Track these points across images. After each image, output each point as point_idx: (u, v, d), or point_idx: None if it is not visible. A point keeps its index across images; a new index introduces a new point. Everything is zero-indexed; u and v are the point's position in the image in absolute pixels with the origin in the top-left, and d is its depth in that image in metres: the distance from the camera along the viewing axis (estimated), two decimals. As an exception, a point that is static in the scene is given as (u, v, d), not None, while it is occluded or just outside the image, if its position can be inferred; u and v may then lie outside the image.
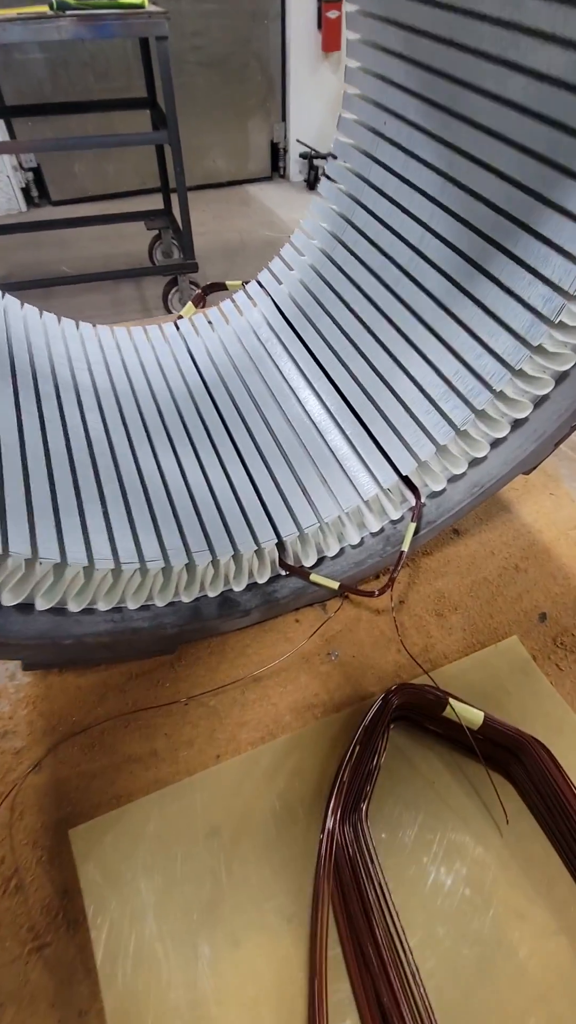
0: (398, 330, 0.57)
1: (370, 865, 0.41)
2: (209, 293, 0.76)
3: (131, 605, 0.48)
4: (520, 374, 0.47)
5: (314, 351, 0.65)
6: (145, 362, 0.69)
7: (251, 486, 0.56)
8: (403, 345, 0.56)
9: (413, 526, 0.52)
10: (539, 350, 0.45)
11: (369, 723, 0.45)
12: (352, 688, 0.53)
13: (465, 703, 0.47)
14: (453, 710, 0.46)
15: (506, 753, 0.46)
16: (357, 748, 0.44)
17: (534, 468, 0.54)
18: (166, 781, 0.46)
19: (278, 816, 0.44)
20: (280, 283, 0.73)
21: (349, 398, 0.59)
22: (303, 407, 0.62)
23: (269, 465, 0.57)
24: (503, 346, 0.47)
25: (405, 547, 0.51)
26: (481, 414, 0.49)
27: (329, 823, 0.42)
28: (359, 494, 0.53)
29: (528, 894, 0.41)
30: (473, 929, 0.40)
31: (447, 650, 0.56)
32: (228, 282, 0.72)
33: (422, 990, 0.37)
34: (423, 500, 0.54)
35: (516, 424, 0.51)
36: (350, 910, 0.39)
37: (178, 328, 0.73)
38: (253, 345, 0.69)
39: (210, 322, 0.73)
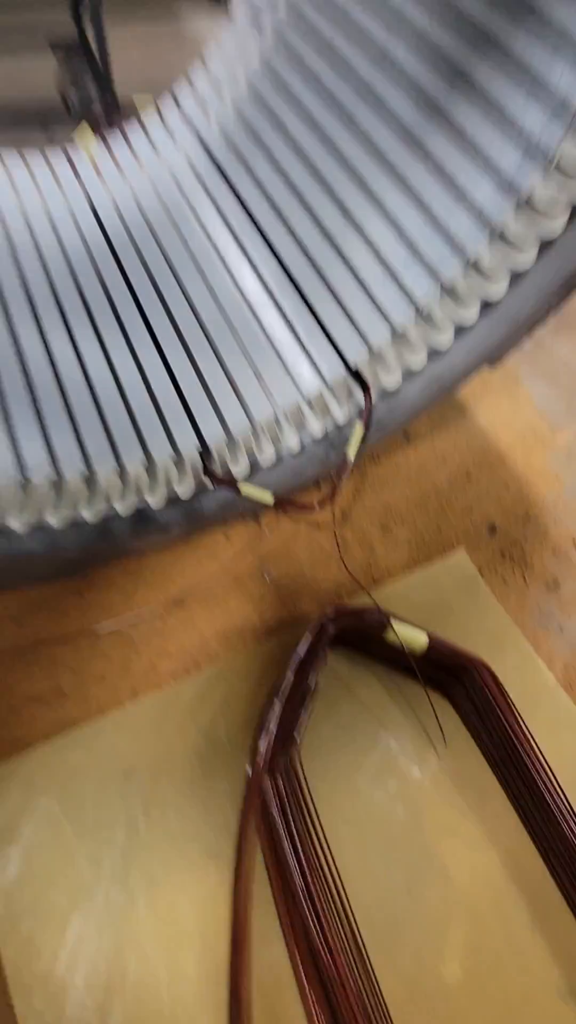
0: (353, 173, 0.45)
1: (301, 798, 0.38)
2: (113, 116, 0.58)
3: (16, 525, 0.39)
4: (499, 237, 0.37)
5: (249, 206, 0.52)
6: (31, 214, 0.54)
7: (168, 378, 0.45)
8: (358, 195, 0.44)
9: (361, 429, 0.44)
10: (525, 203, 0.35)
11: (303, 653, 0.40)
12: (287, 611, 0.48)
13: (408, 623, 0.43)
14: (395, 634, 0.42)
15: (448, 675, 0.44)
16: (290, 678, 0.40)
17: (500, 360, 0.47)
18: (74, 722, 0.41)
19: (202, 754, 0.40)
20: (207, 114, 0.57)
21: (290, 267, 0.48)
22: (233, 279, 0.50)
23: (190, 352, 0.47)
24: (483, 195, 0.37)
25: (351, 454, 0.44)
26: (448, 289, 0.40)
27: (259, 757, 0.38)
28: (299, 390, 0.44)
29: (461, 810, 0.41)
30: (404, 848, 0.39)
31: (392, 566, 0.51)
32: (136, 96, 0.55)
33: (350, 914, 0.36)
34: (373, 399, 0.46)
35: (485, 306, 0.43)
36: (277, 844, 0.37)
37: (75, 170, 0.56)
38: (173, 197, 0.55)
39: (117, 164, 0.57)
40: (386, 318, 0.42)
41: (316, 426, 0.47)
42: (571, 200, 0.35)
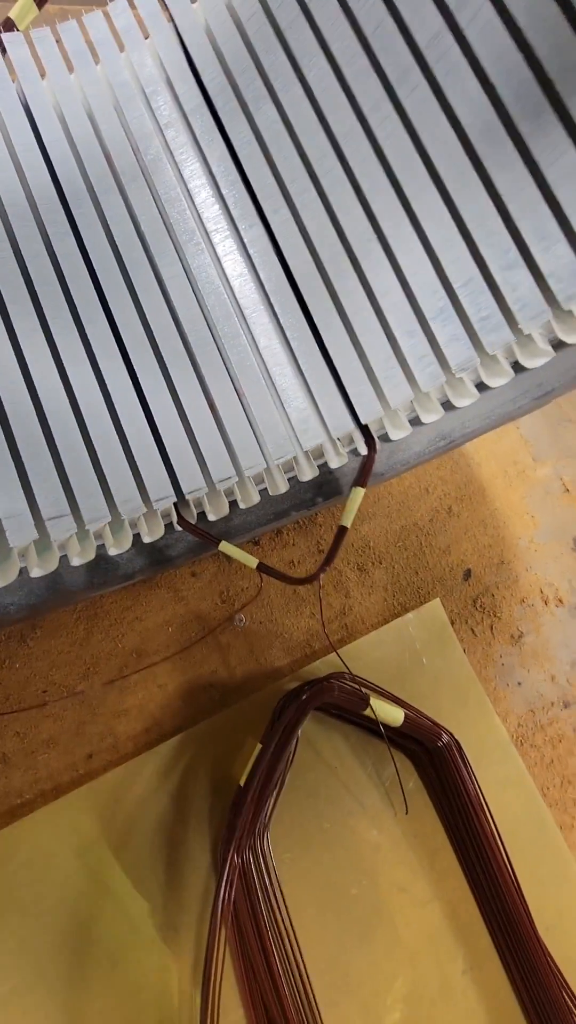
0: (393, 181, 0.35)
1: (266, 871, 0.38)
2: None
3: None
4: (560, 313, 0.31)
5: (247, 169, 0.40)
6: None
7: (139, 406, 0.37)
8: (398, 213, 0.35)
9: (361, 492, 0.39)
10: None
11: (281, 731, 0.38)
12: (256, 663, 0.45)
13: (382, 694, 0.42)
14: (373, 711, 0.41)
15: (417, 743, 0.44)
16: (263, 771, 0.38)
17: (512, 420, 0.43)
18: (19, 793, 0.37)
19: (163, 829, 0.38)
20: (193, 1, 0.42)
21: (299, 280, 0.39)
22: (223, 274, 0.40)
23: (169, 374, 0.38)
24: (552, 264, 0.30)
25: (347, 522, 0.39)
26: (490, 357, 0.34)
27: (232, 849, 0.37)
28: (298, 443, 0.38)
29: (413, 869, 0.43)
30: (358, 907, 0.41)
31: (366, 613, 0.49)
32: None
33: (304, 973, 0.37)
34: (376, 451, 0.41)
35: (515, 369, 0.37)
36: (240, 915, 0.37)
37: (8, 63, 0.40)
38: (142, 128, 0.41)
39: (69, 62, 0.42)
40: (411, 379, 0.36)
41: (307, 473, 0.41)
42: None
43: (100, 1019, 0.34)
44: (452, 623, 0.51)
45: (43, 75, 0.41)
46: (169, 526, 0.41)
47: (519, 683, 0.51)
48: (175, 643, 0.44)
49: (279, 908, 0.38)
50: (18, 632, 0.41)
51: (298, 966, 0.38)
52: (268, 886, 0.38)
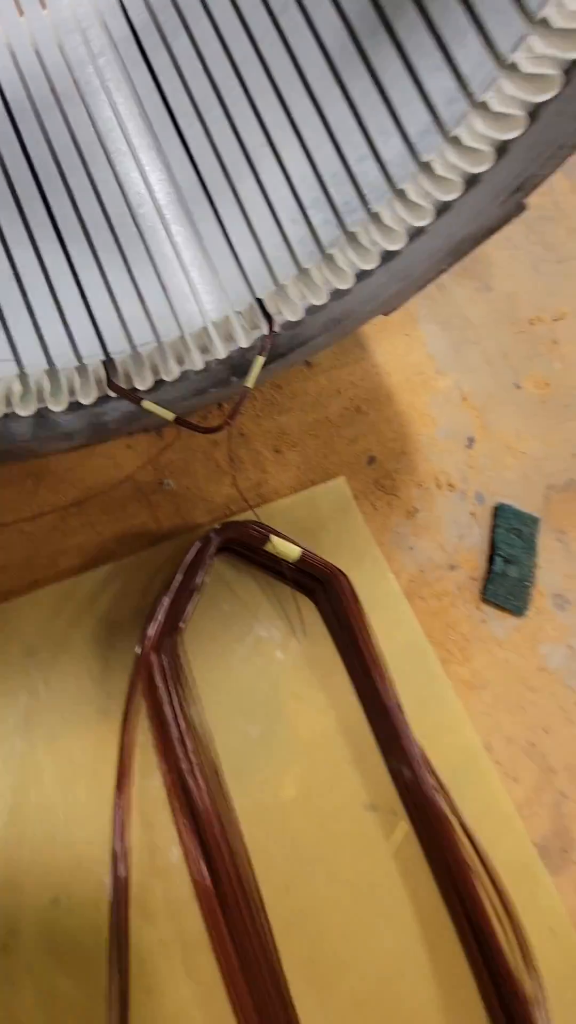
0: (275, 88, 0.44)
1: (181, 672, 0.46)
2: None
3: None
4: (400, 195, 0.40)
5: (166, 91, 0.48)
6: None
7: (72, 279, 0.44)
8: (279, 114, 0.43)
9: (261, 360, 0.47)
10: (426, 168, 0.38)
11: (193, 557, 0.46)
12: (182, 519, 0.53)
13: (286, 539, 0.50)
14: (273, 546, 0.49)
15: (314, 580, 0.52)
16: (179, 578, 0.46)
17: (393, 310, 0.51)
18: (-26, 607, 0.44)
19: (98, 637, 0.46)
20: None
21: (204, 174, 0.47)
22: (142, 172, 0.48)
23: (96, 254, 0.45)
24: (391, 151, 0.39)
25: (250, 383, 0.47)
26: (351, 237, 0.43)
27: (147, 640, 0.45)
28: (205, 313, 0.46)
29: (310, 683, 0.51)
30: (263, 710, 0.49)
31: (279, 486, 0.57)
32: None
33: (214, 757, 0.46)
34: (276, 330, 0.49)
35: (384, 258, 0.46)
36: (159, 705, 0.45)
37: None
38: (77, 56, 0.49)
39: (20, 7, 0.49)
40: (293, 256, 0.44)
41: (220, 350, 0.49)
42: (467, 169, 0.38)
43: (39, 778, 0.42)
44: (356, 499, 0.59)
45: (-9, 6, 0.48)
46: (103, 398, 0.49)
47: (411, 548, 0.60)
48: (112, 500, 0.52)
49: (193, 703, 0.46)
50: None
51: (207, 746, 0.46)
52: (182, 680, 0.46)
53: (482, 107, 0.34)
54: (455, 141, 0.36)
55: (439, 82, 0.35)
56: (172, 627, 0.46)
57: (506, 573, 0.61)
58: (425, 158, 0.37)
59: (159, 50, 0.48)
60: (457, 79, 0.34)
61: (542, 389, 0.73)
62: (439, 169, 0.38)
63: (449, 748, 0.53)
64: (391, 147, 0.39)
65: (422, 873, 0.49)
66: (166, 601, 0.45)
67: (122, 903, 0.40)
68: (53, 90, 0.48)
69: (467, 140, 0.36)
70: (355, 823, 0.49)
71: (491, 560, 0.61)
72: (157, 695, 0.45)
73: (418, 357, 0.69)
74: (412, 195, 0.40)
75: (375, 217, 0.41)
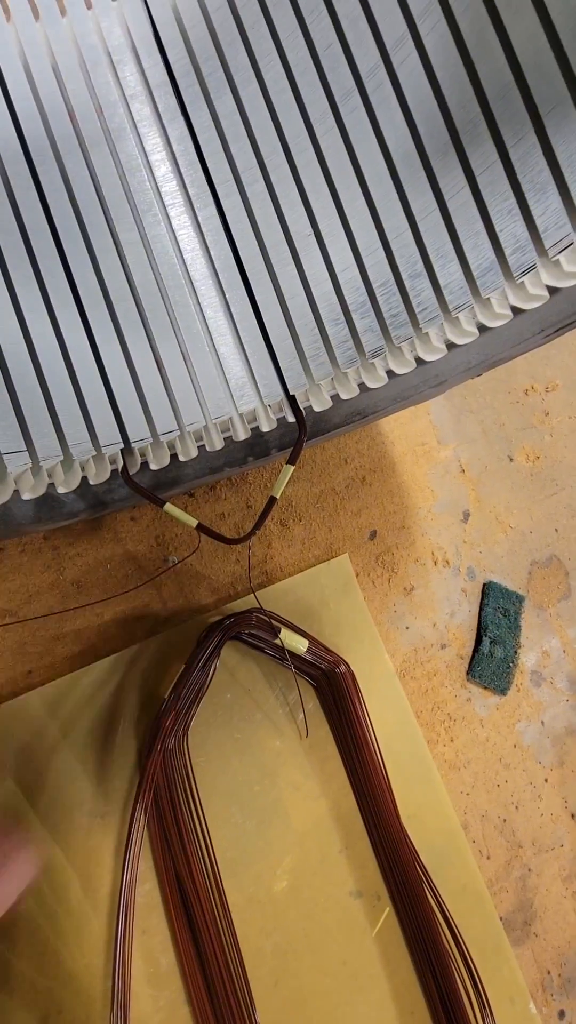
0: (327, 176, 0.41)
1: (184, 770, 0.45)
2: None
3: None
4: (452, 319, 0.39)
5: (204, 152, 0.44)
6: None
7: (92, 357, 0.41)
8: (328, 203, 0.41)
9: (291, 469, 0.45)
10: (484, 301, 0.38)
11: (203, 654, 0.45)
12: (185, 599, 0.51)
13: (292, 628, 0.50)
14: (282, 641, 0.48)
15: (320, 673, 0.52)
16: (189, 676, 0.44)
17: (416, 405, 0.51)
18: (-36, 707, 0.41)
19: (96, 735, 0.44)
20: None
21: (241, 252, 0.44)
22: (174, 240, 0.44)
23: (120, 330, 0.42)
24: (449, 277, 0.38)
25: (276, 493, 0.45)
26: (393, 348, 0.42)
27: (157, 743, 0.43)
28: (234, 405, 0.44)
29: (305, 772, 0.51)
30: (259, 801, 0.49)
31: (284, 563, 0.56)
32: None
33: (211, 852, 0.45)
34: (305, 435, 0.47)
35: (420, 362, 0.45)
36: (161, 806, 0.44)
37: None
38: (108, 95, 0.44)
39: (36, 9, 0.43)
40: (332, 357, 0.42)
41: (241, 434, 0.47)
42: (522, 307, 0.38)
43: (46, 887, 0.40)
44: (357, 575, 0.59)
45: (7, 16, 0.43)
46: (114, 472, 0.45)
47: (407, 627, 0.61)
48: (112, 579, 0.49)
49: (193, 798, 0.45)
50: (-36, 558, 0.44)
51: (206, 844, 0.45)
52: (185, 780, 0.45)
53: (555, 264, 0.34)
54: (519, 286, 0.36)
55: (511, 227, 0.34)
56: (178, 732, 0.45)
57: (492, 654, 0.63)
58: (485, 295, 0.36)
59: (199, 104, 0.44)
60: (530, 230, 0.34)
61: (532, 462, 0.75)
62: (496, 306, 0.37)
63: (431, 830, 0.55)
64: (449, 272, 0.38)
65: (400, 954, 0.51)
66: (174, 700, 0.44)
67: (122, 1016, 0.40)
68: (77, 131, 0.43)
69: (530, 287, 0.35)
70: (342, 910, 0.50)
71: (478, 639, 0.63)
72: (160, 802, 0.43)
73: (422, 425, 0.69)
74: (463, 322, 0.39)
75: (422, 336, 0.40)
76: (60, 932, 0.40)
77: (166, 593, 0.50)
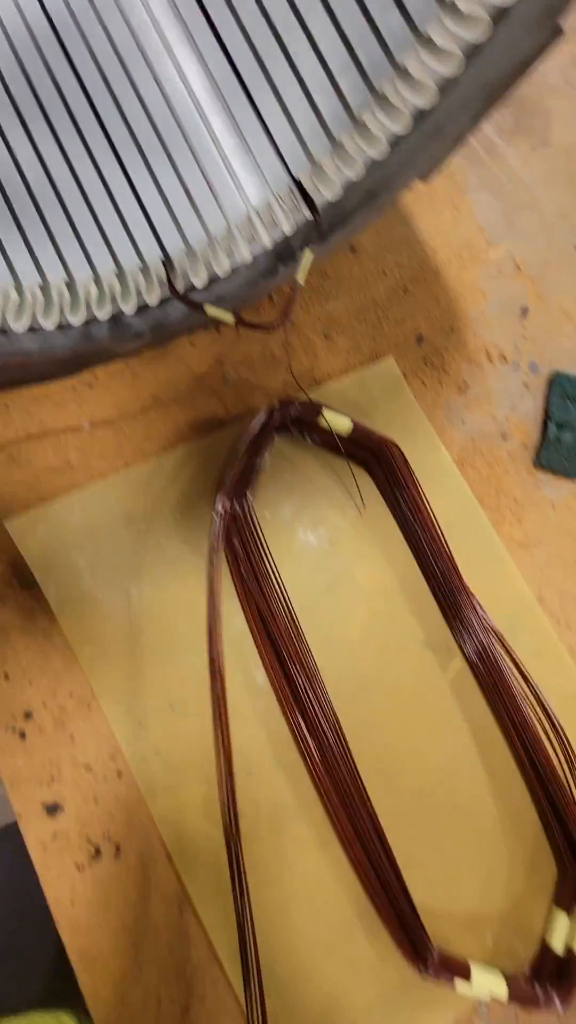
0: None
1: (255, 533, 0.54)
2: None
3: (16, 327, 0.47)
4: (425, 41, 0.40)
5: (193, -22, 0.49)
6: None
7: (127, 184, 0.49)
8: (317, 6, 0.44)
9: (310, 255, 0.50)
10: (451, 8, 0.38)
11: (255, 432, 0.53)
12: (244, 404, 0.59)
13: (337, 412, 0.55)
14: (325, 419, 0.54)
15: (368, 452, 0.57)
16: (244, 450, 0.53)
17: (431, 173, 0.51)
18: (82, 484, 0.54)
19: (182, 505, 0.55)
20: None
21: (237, 61, 0.48)
22: (178, 69, 0.50)
23: (147, 158, 0.49)
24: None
25: (301, 278, 0.50)
26: (381, 98, 0.44)
27: (221, 504, 0.53)
28: (248, 202, 0.49)
29: (370, 544, 0.57)
30: (327, 566, 0.56)
31: (331, 369, 0.61)
32: None
33: (287, 601, 0.54)
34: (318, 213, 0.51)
35: (416, 117, 0.46)
36: (239, 560, 0.53)
37: None
38: (110, -43, 0.51)
39: None
40: (326, 127, 0.45)
41: (265, 237, 0.53)
42: (493, 5, 0.38)
43: (149, 616, 0.52)
44: (405, 376, 0.62)
45: None
46: (166, 300, 0.54)
47: (463, 421, 0.62)
48: (181, 393, 0.58)
49: (266, 559, 0.54)
50: (71, 386, 0.57)
51: (282, 595, 0.54)
52: (256, 540, 0.54)
53: None
54: (477, -32, 0.36)
55: None
56: (241, 492, 0.53)
57: (560, 439, 0.62)
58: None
59: None
60: None
61: (605, 249, 0.69)
62: (463, 6, 0.37)
63: (502, 601, 0.58)
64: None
65: (476, 699, 0.56)
66: (236, 468, 0.52)
67: (222, 710, 0.51)
68: (92, 3, 0.51)
69: (490, -36, 0.35)
70: (414, 658, 0.56)
71: (544, 427, 0.63)
72: (236, 552, 0.53)
73: (467, 229, 0.68)
74: (439, 40, 0.39)
75: (403, 72, 0.42)
76: (172, 648, 0.52)
77: (228, 402, 0.59)
